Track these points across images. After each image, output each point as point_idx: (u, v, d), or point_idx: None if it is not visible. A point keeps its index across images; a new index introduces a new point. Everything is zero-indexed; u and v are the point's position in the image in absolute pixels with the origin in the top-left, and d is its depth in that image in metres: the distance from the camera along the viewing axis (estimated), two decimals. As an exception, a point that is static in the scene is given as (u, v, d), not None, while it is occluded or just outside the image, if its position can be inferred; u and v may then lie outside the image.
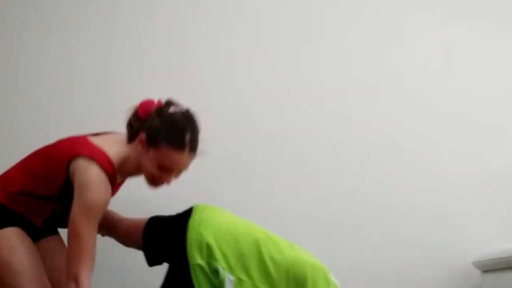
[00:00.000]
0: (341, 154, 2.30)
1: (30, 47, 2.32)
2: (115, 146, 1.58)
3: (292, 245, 1.63)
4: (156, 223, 1.72)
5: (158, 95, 1.65)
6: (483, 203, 2.23)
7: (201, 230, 1.57)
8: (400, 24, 2.40)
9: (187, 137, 1.55)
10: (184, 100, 1.64)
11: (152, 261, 1.70)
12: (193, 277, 1.54)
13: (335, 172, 2.28)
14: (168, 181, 1.60)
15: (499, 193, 2.23)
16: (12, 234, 1.57)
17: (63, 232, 1.69)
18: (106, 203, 1.54)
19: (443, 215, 2.23)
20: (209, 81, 2.30)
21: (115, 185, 1.61)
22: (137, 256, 1.74)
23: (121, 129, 1.68)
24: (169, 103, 1.62)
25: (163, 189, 1.65)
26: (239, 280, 1.52)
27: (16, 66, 2.31)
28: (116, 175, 1.56)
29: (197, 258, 1.54)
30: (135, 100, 1.67)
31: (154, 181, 1.60)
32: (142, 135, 1.56)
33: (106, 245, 1.81)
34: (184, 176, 1.65)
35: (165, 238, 1.66)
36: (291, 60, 2.34)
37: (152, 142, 1.54)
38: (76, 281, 1.47)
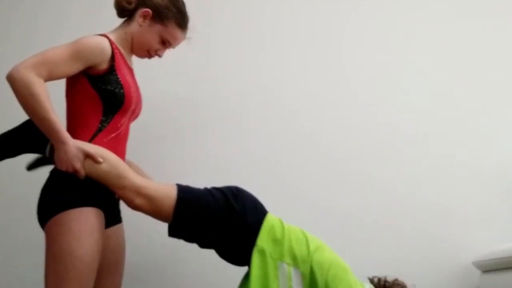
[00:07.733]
0: (344, 153, 2.31)
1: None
2: (112, 32, 1.67)
3: None
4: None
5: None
6: (483, 203, 2.24)
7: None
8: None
9: (188, 21, 1.74)
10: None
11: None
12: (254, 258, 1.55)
13: (336, 170, 2.29)
14: (161, 55, 1.74)
15: (499, 193, 2.25)
16: (88, 219, 1.43)
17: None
18: (97, 49, 1.53)
19: (443, 216, 2.23)
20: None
21: (124, 60, 1.63)
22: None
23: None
24: None
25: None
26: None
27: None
28: (115, 45, 1.61)
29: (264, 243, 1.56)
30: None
31: (149, 53, 1.71)
32: (147, 11, 1.66)
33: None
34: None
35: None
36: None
37: (160, 18, 1.67)
38: (17, 71, 1.40)
